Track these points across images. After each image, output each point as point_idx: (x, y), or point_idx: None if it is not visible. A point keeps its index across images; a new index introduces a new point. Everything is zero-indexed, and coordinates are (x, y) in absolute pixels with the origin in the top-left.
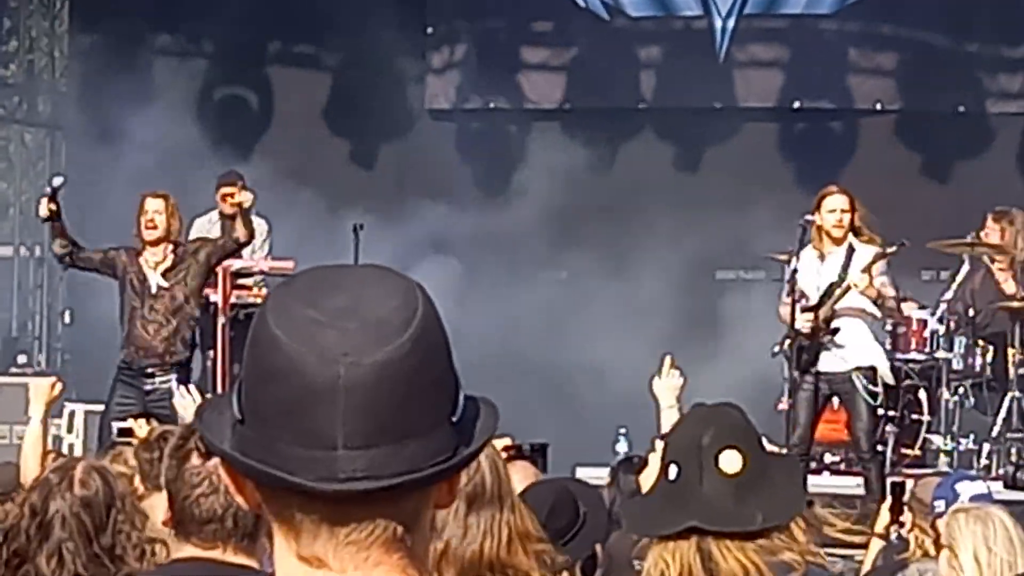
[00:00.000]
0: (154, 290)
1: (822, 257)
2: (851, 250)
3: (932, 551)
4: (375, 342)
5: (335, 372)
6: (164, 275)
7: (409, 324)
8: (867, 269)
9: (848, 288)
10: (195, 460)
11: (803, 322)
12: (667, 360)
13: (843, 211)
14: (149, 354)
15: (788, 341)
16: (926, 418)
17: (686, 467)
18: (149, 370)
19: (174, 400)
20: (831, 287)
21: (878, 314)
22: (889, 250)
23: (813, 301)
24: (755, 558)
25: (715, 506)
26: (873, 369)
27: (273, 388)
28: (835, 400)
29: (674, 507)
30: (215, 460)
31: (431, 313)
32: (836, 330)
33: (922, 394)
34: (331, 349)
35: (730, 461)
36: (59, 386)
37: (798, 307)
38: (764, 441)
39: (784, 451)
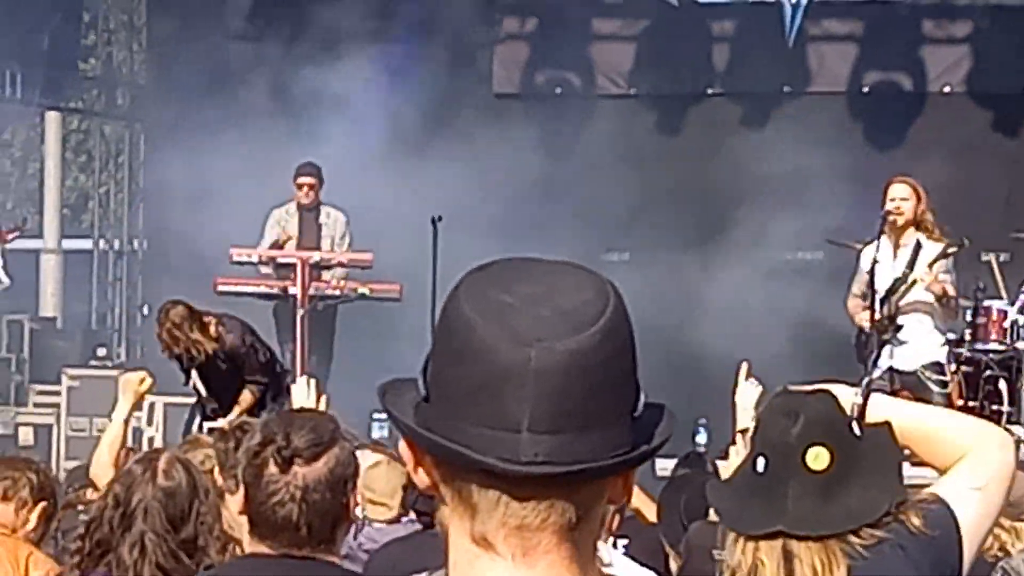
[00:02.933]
0: (204, 393)
1: (888, 249)
2: (918, 246)
3: (1011, 546)
4: (568, 329)
5: (527, 355)
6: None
7: (601, 315)
8: (930, 265)
9: (913, 283)
10: (272, 469)
11: (862, 320)
12: (743, 369)
13: (902, 199)
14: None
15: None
16: (1006, 409)
17: (774, 461)
18: None
19: (292, 388)
20: (896, 282)
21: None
22: (951, 249)
23: (881, 292)
24: (831, 556)
25: (802, 507)
26: (939, 363)
27: (464, 368)
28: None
29: (762, 504)
30: (293, 471)
31: (621, 309)
32: (900, 327)
33: (1002, 384)
34: (525, 333)
35: (817, 458)
36: (148, 381)
37: (859, 304)
38: (855, 427)
39: (881, 429)
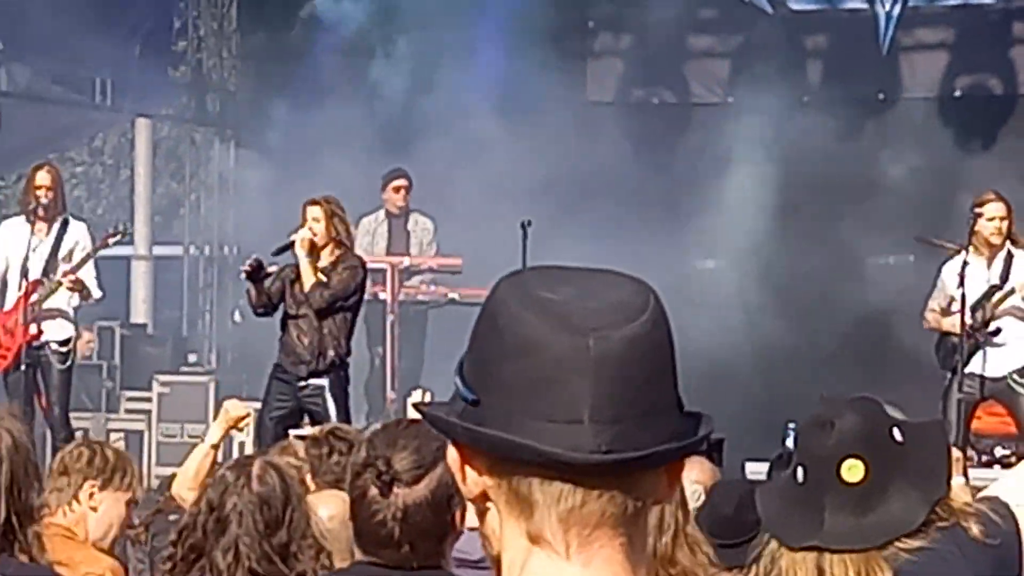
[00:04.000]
0: (298, 301)
1: (974, 257)
2: (1010, 256)
3: None
4: (621, 318)
5: (584, 344)
6: (319, 279)
7: (647, 306)
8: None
9: (1010, 292)
10: (373, 492)
11: (951, 324)
12: None
13: (1002, 219)
14: (298, 361)
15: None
16: None
17: (811, 473)
18: (301, 373)
19: (409, 400)
20: (991, 290)
21: None
22: None
23: (958, 303)
24: (872, 564)
25: (838, 520)
26: None
27: (518, 363)
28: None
29: (801, 516)
30: (394, 493)
31: (660, 303)
32: (998, 331)
33: None
34: (579, 324)
35: (851, 471)
36: (250, 418)
37: (939, 317)
38: (897, 432)
39: (930, 426)
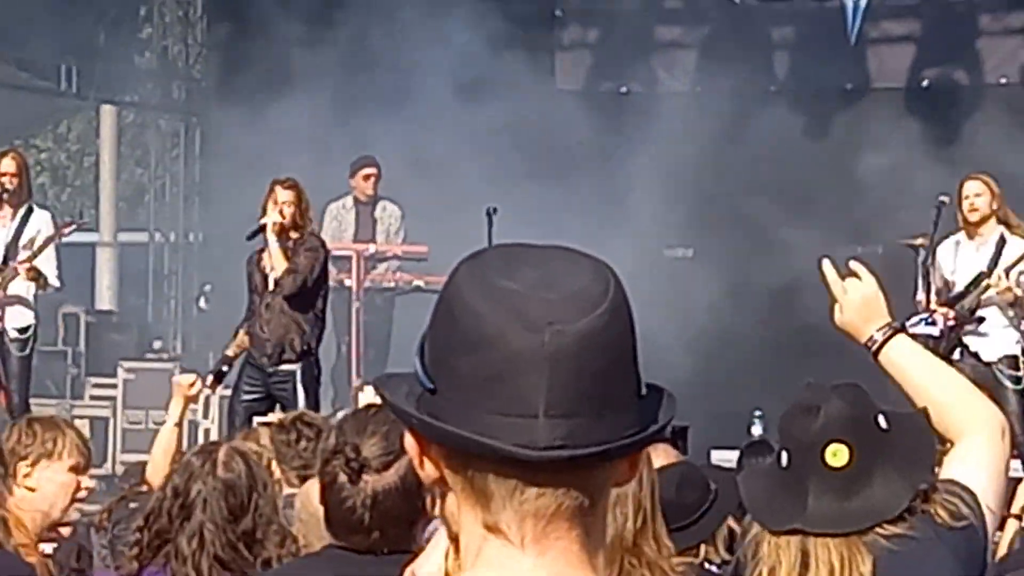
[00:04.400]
0: (271, 286)
1: (970, 243)
2: (1002, 242)
3: None
4: (577, 311)
5: (540, 340)
6: (291, 265)
7: (606, 295)
8: (1008, 269)
9: (986, 288)
10: (343, 479)
11: (940, 315)
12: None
13: (976, 195)
14: (262, 352)
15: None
16: None
17: (795, 458)
18: (264, 364)
19: (360, 396)
20: (979, 277)
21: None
22: None
23: (955, 288)
24: (854, 551)
25: (822, 505)
26: (1015, 357)
27: (474, 357)
28: None
29: (784, 500)
30: (363, 480)
31: (621, 289)
32: (982, 319)
33: None
34: (535, 318)
35: (836, 455)
36: (198, 384)
37: (933, 297)
38: (882, 420)
39: (914, 416)
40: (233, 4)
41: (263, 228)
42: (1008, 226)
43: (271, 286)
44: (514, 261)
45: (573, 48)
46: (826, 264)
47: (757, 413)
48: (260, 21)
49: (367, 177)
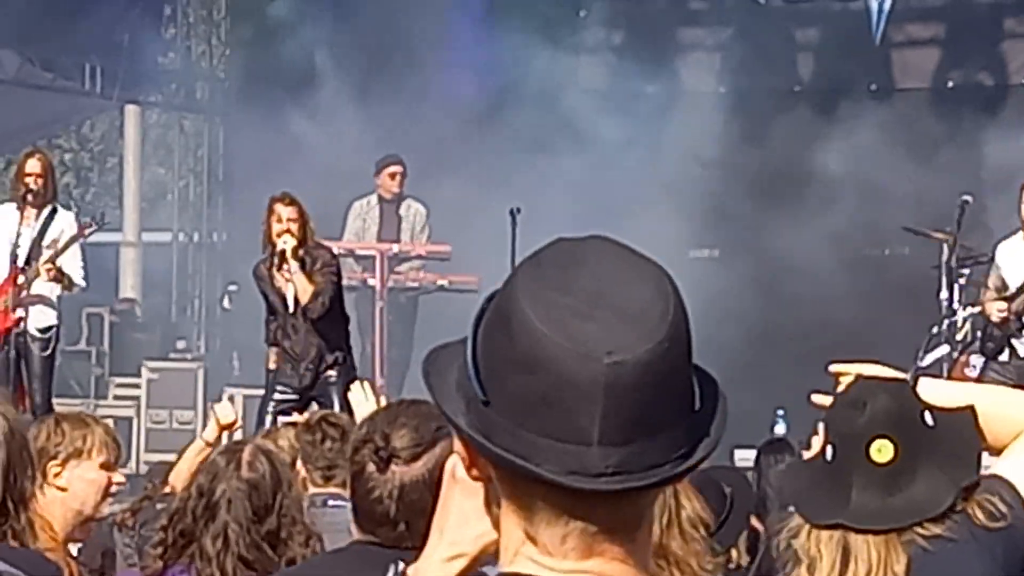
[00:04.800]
0: (291, 308)
1: None
2: None
3: None
4: (637, 339)
5: (599, 369)
6: (297, 290)
7: (666, 317)
8: None
9: None
10: (371, 468)
11: (995, 311)
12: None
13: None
14: (299, 371)
15: (947, 323)
16: None
17: (841, 452)
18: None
19: (350, 395)
20: None
21: None
22: None
23: (1012, 288)
24: (891, 549)
25: (864, 499)
26: None
27: (528, 378)
28: None
29: (828, 494)
30: (391, 471)
31: (681, 304)
32: (1020, 330)
33: None
34: (594, 346)
35: (881, 451)
36: (238, 423)
37: (987, 295)
38: (928, 416)
39: (961, 414)
40: (256, 4)
41: (282, 255)
42: None
43: (291, 307)
44: (572, 267)
45: (596, 48)
46: (815, 398)
47: (780, 412)
48: (283, 21)
49: (393, 175)
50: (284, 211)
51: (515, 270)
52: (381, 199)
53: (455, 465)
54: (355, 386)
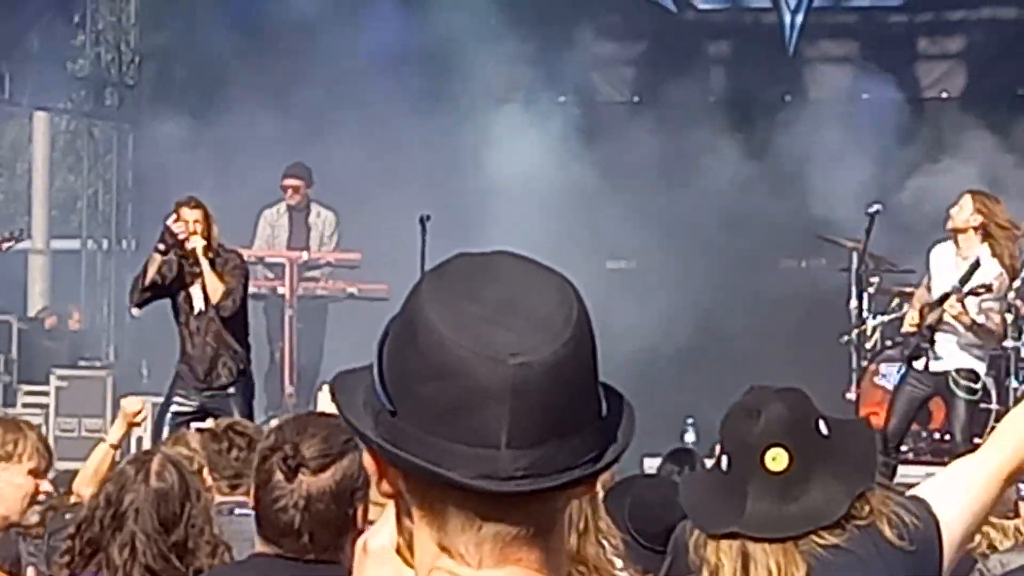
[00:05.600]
0: (196, 310)
1: (956, 255)
2: (976, 265)
3: (999, 543)
4: (543, 340)
5: (505, 372)
6: (207, 289)
7: (570, 321)
8: (966, 295)
9: (942, 313)
10: (279, 476)
11: (908, 321)
12: None
13: (954, 206)
14: (198, 377)
15: (856, 332)
16: (995, 407)
17: (736, 461)
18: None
19: (319, 397)
20: (943, 297)
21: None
22: (994, 281)
23: (935, 296)
24: (790, 558)
25: (760, 508)
26: (972, 371)
27: (437, 385)
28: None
29: (724, 503)
30: (298, 480)
31: (584, 309)
32: (933, 341)
33: (990, 383)
34: (500, 349)
35: (776, 459)
36: (145, 411)
37: (916, 298)
38: (823, 425)
39: (855, 423)
40: (165, 10)
41: (192, 253)
42: (990, 246)
43: (197, 308)
44: (479, 278)
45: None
46: None
47: (690, 420)
48: (193, 28)
49: (284, 188)
50: (189, 214)
51: (419, 282)
52: (289, 207)
53: (366, 540)
54: (324, 389)
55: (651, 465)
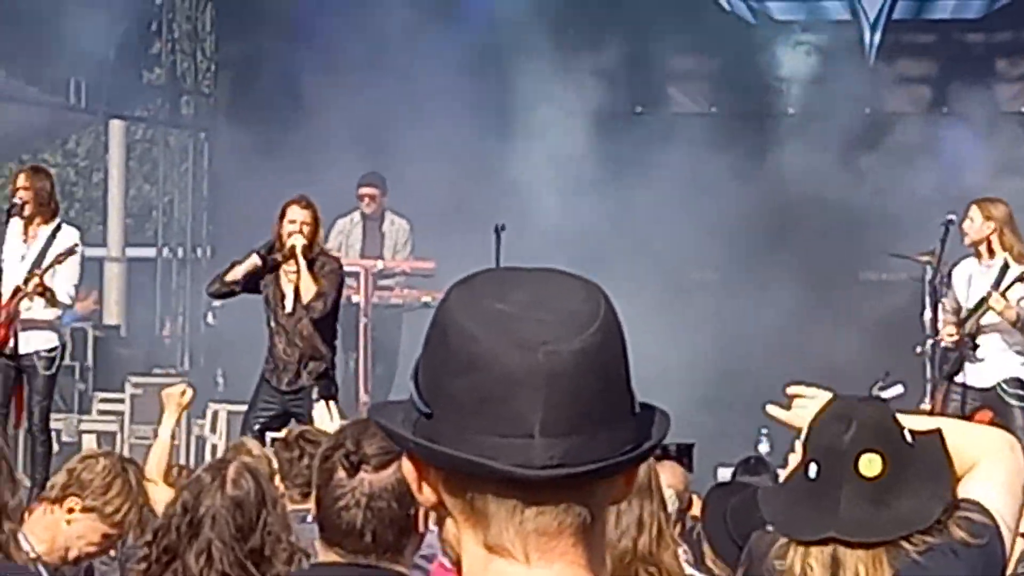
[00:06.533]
0: (288, 308)
1: (979, 266)
2: (1005, 266)
3: None
4: (571, 331)
5: (535, 360)
6: (300, 289)
7: (597, 315)
8: (1006, 290)
9: (986, 310)
10: (340, 474)
11: (946, 334)
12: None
13: (968, 219)
14: (284, 373)
15: (931, 343)
16: None
17: (826, 468)
18: (283, 385)
19: (314, 412)
20: (980, 302)
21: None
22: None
23: (965, 310)
24: (878, 563)
25: (853, 513)
26: (1018, 379)
27: (469, 379)
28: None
29: (814, 510)
30: (360, 477)
31: (612, 308)
32: (976, 346)
33: None
34: (529, 338)
35: (870, 464)
36: (189, 393)
37: (943, 318)
38: (907, 435)
39: (931, 433)
40: (242, 20)
41: (291, 251)
42: (1009, 251)
43: (289, 307)
44: (506, 284)
45: (586, 69)
46: (771, 409)
47: (764, 431)
48: (269, 37)
49: (361, 197)
50: (299, 213)
51: (447, 292)
52: (364, 216)
53: None
54: (319, 405)
55: (725, 475)
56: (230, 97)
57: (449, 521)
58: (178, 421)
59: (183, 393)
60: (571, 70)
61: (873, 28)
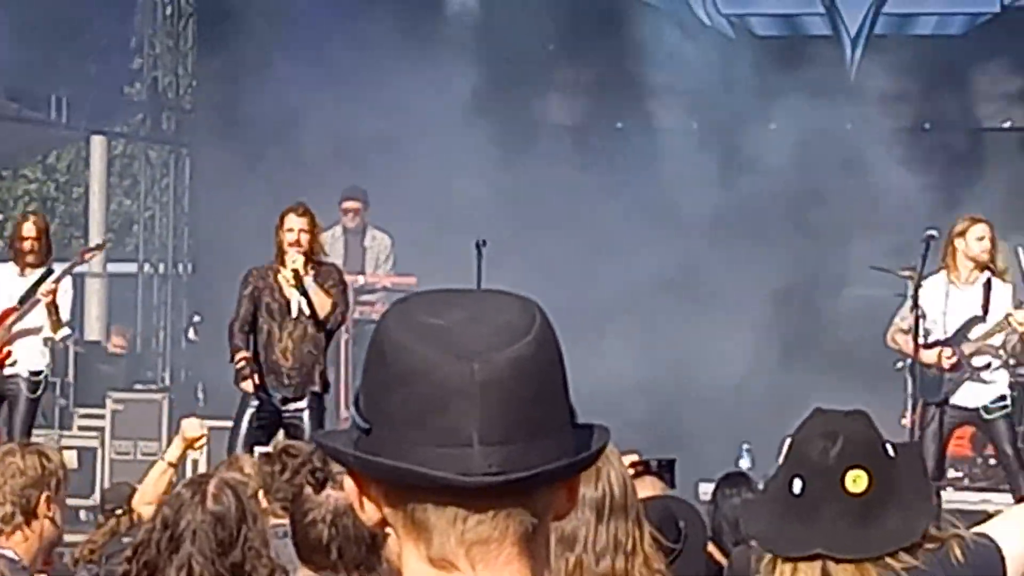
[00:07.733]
0: (295, 313)
1: (953, 285)
2: (989, 285)
3: None
4: (505, 340)
5: (470, 369)
6: (314, 305)
7: (531, 327)
8: (1019, 304)
9: (1007, 325)
10: (308, 491)
11: (933, 356)
12: None
13: (991, 239)
14: (283, 383)
15: (910, 358)
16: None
17: (811, 484)
18: (286, 394)
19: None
20: (972, 320)
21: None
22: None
23: (939, 330)
24: None
25: (840, 530)
26: (1002, 396)
27: (404, 391)
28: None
29: (800, 526)
30: (326, 493)
31: (548, 322)
32: (987, 365)
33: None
34: (464, 348)
35: (856, 482)
36: (205, 438)
37: (924, 340)
38: (889, 448)
39: (911, 445)
40: (223, 35)
41: (296, 275)
42: (994, 271)
43: (295, 312)
44: (441, 303)
45: (566, 83)
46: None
47: (746, 446)
48: (250, 53)
49: (344, 211)
50: (296, 221)
51: (384, 312)
52: (345, 230)
53: None
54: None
55: (706, 491)
56: (211, 113)
57: (391, 539)
58: (183, 455)
59: (201, 437)
60: (553, 85)
61: (854, 44)
